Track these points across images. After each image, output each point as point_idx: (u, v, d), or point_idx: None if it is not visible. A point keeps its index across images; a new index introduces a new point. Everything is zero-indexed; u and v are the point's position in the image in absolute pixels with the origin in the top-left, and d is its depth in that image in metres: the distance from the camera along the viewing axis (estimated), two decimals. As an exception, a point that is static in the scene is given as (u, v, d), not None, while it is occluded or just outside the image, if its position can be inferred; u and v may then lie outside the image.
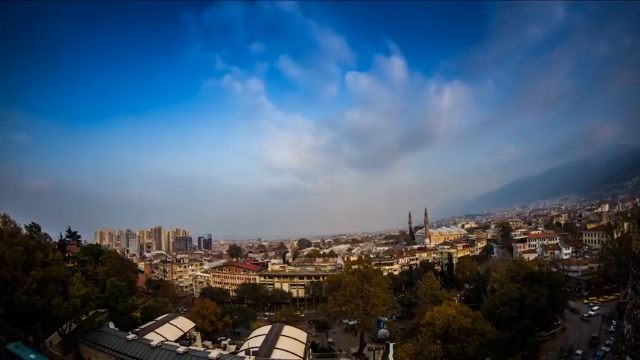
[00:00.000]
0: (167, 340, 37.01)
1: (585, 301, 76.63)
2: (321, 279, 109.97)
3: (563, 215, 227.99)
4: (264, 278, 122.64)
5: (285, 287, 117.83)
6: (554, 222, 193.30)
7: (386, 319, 72.30)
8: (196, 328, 49.72)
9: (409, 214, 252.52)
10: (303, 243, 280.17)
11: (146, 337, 36.45)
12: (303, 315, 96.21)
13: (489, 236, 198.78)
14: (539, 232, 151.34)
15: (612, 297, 72.93)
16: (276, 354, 34.00)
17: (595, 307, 68.71)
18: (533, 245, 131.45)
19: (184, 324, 46.47)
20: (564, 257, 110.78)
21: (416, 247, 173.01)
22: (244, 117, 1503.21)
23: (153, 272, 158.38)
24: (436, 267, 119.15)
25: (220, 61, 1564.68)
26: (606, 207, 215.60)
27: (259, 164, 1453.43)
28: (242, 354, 33.38)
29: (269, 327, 43.24)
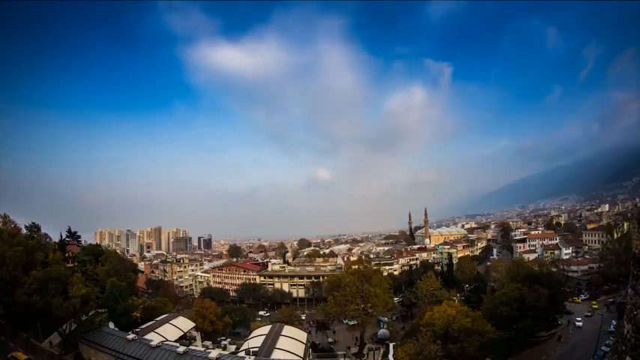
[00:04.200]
0: (167, 340, 37.02)
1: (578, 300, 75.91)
2: (321, 279, 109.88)
3: (563, 215, 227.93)
4: (264, 278, 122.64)
5: (285, 287, 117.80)
6: (554, 222, 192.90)
7: (386, 319, 72.24)
8: (196, 328, 49.67)
9: (409, 214, 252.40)
10: (303, 243, 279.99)
11: (146, 337, 36.47)
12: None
13: (489, 236, 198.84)
14: (539, 232, 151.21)
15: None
16: (276, 354, 34.01)
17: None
18: (533, 245, 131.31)
19: (184, 324, 46.47)
20: (564, 257, 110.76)
21: (416, 247, 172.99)
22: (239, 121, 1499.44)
23: (153, 272, 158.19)
24: (436, 267, 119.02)
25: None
26: (606, 207, 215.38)
27: (257, 164, 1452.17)
28: (242, 354, 33.47)
29: (269, 327, 43.31)
